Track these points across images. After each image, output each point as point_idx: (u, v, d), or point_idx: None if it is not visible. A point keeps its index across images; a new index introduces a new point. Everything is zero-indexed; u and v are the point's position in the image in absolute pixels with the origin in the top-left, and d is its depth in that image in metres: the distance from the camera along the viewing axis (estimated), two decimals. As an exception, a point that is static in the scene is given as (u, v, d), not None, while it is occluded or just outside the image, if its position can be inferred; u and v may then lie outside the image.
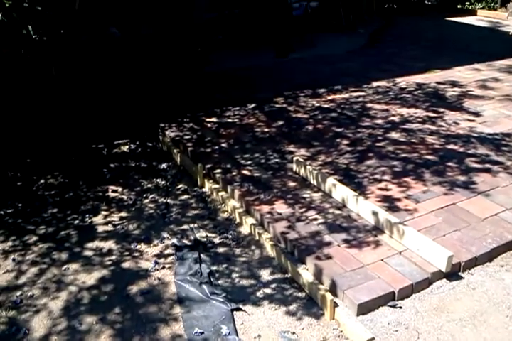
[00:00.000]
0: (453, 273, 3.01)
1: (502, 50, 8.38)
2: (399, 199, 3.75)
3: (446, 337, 2.57)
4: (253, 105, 5.99)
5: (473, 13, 12.30)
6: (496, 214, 3.53)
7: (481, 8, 12.60)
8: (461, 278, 3.00)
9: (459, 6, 12.88)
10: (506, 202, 3.67)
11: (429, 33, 9.87)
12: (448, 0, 13.05)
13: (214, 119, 5.57)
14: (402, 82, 6.75)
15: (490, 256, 3.16)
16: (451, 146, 4.68)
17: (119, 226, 3.71)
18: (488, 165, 4.28)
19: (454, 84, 6.61)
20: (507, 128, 5.10)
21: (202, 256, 3.34)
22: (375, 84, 6.69)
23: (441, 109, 5.65)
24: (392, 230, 3.25)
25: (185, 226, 3.70)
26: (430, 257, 3.00)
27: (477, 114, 5.49)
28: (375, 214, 3.39)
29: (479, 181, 4.00)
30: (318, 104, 5.96)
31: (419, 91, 6.32)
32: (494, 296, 2.84)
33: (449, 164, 4.32)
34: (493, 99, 6.00)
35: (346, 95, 6.27)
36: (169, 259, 3.33)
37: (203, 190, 4.32)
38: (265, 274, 3.19)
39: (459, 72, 7.20)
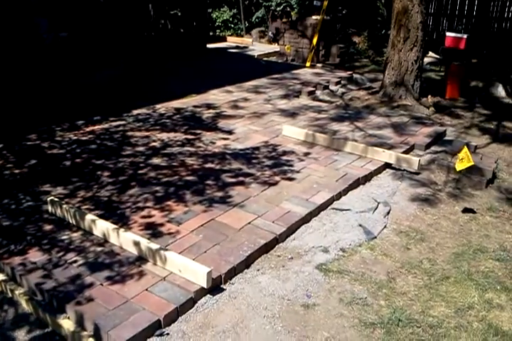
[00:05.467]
0: (215, 287, 3.14)
1: (249, 72, 9.36)
2: (162, 224, 3.78)
3: (211, 353, 2.64)
4: (0, 145, 5.40)
5: (223, 39, 13.49)
6: (249, 223, 3.83)
7: (230, 35, 13.92)
8: (223, 290, 3.15)
9: (211, 33, 13.99)
10: (258, 210, 4.03)
11: (187, 61, 10.40)
12: (202, 28, 14.06)
13: (-49, 167, 4.83)
14: (162, 108, 6.95)
15: (247, 262, 3.41)
16: (209, 165, 4.96)
17: None
18: (241, 178, 4.65)
19: (209, 106, 7.08)
20: (255, 142, 5.66)
21: None
22: (135, 112, 6.73)
23: (199, 131, 5.97)
24: (155, 257, 3.24)
25: None
26: (192, 276, 3.07)
27: (230, 132, 5.96)
28: (136, 244, 3.34)
29: (234, 194, 4.32)
30: (76, 138, 5.69)
31: (178, 116, 6.58)
32: (253, 300, 3.05)
33: (208, 182, 4.56)
34: (244, 117, 6.62)
35: (106, 125, 6.15)
36: None
37: None
38: (21, 335, 2.84)
39: (213, 95, 7.75)
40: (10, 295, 3.15)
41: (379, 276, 3.38)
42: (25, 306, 3.05)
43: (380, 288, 3.24)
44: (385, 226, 4.06)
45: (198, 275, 3.02)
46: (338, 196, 4.45)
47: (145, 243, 3.30)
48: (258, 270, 3.38)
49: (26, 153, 5.18)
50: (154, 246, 3.27)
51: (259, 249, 3.51)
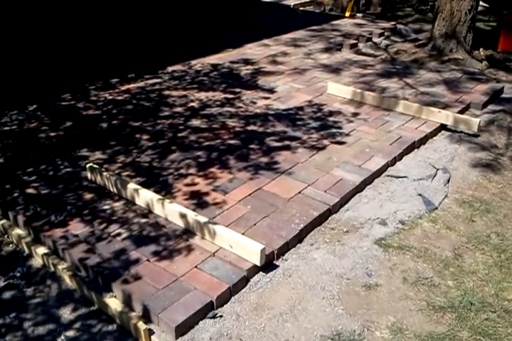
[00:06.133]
0: (268, 264, 2.93)
1: (286, 24, 8.78)
2: (207, 193, 3.56)
3: (269, 338, 2.46)
4: (34, 106, 5.20)
5: (256, -12, 12.67)
6: (300, 192, 3.56)
7: (262, -16, 13.07)
8: (276, 266, 2.94)
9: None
10: (307, 178, 3.74)
11: (219, 13, 9.84)
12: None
13: (-15, 129, 4.67)
14: (198, 64, 6.58)
15: (300, 236, 3.17)
16: (251, 127, 4.66)
17: None
18: (287, 142, 4.35)
19: (246, 62, 6.66)
20: (299, 101, 5.28)
21: (-19, 309, 2.71)
22: (170, 68, 6.38)
23: (238, 89, 5.62)
24: (203, 231, 3.03)
25: (-46, 276, 2.97)
26: (244, 253, 2.86)
27: (271, 91, 5.59)
28: (183, 216, 3.13)
29: (281, 160, 4.03)
30: (111, 97, 5.43)
31: (215, 73, 6.21)
32: (309, 279, 2.83)
33: (252, 146, 4.28)
34: (284, 73, 6.20)
35: (141, 83, 5.85)
36: None
37: (-21, 220, 3.56)
38: (66, 313, 2.71)
39: (250, 49, 7.30)
40: (52, 269, 3.02)
41: (444, 252, 3.11)
42: (69, 282, 2.91)
43: (447, 266, 2.98)
44: (445, 196, 3.73)
45: (251, 252, 2.80)
46: (393, 161, 4.11)
47: (192, 215, 3.09)
48: (312, 245, 3.14)
49: (61, 115, 4.97)
50: (202, 219, 3.06)
51: (312, 222, 3.26)
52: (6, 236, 3.37)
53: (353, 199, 3.63)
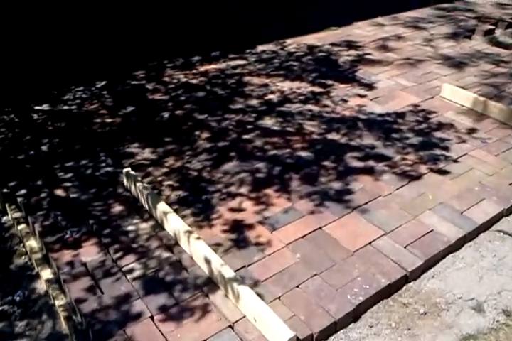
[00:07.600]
0: (302, 351, 2.19)
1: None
2: (251, 226, 2.85)
3: None
4: (103, 83, 4.78)
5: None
6: (370, 243, 2.72)
7: None
8: (311, 357, 2.19)
9: None
10: (385, 222, 2.86)
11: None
12: None
13: (45, 106, 4.34)
14: (293, 44, 5.72)
15: (356, 313, 2.36)
16: (332, 136, 3.80)
17: None
18: (371, 163, 3.45)
19: (350, 45, 5.67)
20: (401, 105, 4.27)
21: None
22: (260, 48, 5.62)
23: (330, 81, 4.72)
24: (227, 288, 2.36)
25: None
26: (268, 333, 2.14)
27: (370, 86, 4.61)
28: (208, 262, 2.47)
29: (357, 188, 3.17)
30: (185, 79, 4.84)
31: (309, 57, 5.33)
32: (351, 389, 2.06)
33: (325, 163, 3.45)
34: (392, 64, 5.15)
35: (223, 65, 5.18)
36: None
37: (4, 218, 3.22)
38: (47, 368, 2.24)
39: (358, 29, 6.25)
40: (52, 301, 2.56)
41: None
42: (64, 324, 2.43)
43: None
44: None
45: (277, 336, 2.08)
46: (511, 211, 3.05)
47: (218, 265, 2.41)
48: (371, 327, 2.33)
49: (126, 96, 4.49)
50: (228, 272, 2.37)
51: (377, 294, 2.42)
52: (21, 245, 2.98)
53: (444, 261, 2.70)
